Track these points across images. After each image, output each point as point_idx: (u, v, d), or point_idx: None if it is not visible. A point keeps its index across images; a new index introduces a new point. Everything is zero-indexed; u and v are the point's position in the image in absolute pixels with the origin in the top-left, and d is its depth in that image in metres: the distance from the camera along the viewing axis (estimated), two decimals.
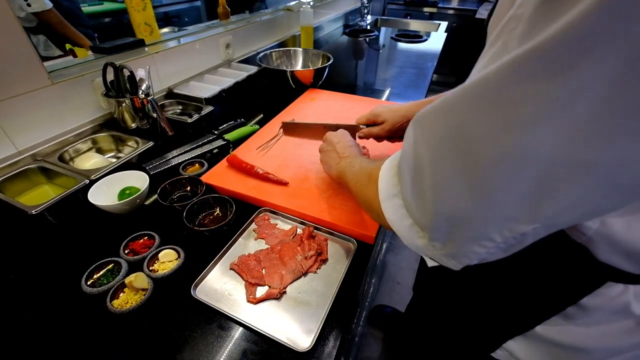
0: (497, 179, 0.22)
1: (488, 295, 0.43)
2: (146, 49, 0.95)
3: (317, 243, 0.56)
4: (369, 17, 2.22)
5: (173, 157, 0.77)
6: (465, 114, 0.23)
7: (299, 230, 0.60)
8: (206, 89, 1.01)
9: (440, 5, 3.04)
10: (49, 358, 0.42)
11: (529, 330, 0.39)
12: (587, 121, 0.18)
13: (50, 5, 0.89)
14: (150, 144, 0.78)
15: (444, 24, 2.31)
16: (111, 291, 0.48)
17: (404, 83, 1.31)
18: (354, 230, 0.58)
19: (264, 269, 0.52)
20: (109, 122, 0.85)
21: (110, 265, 0.52)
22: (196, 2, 1.79)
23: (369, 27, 2.10)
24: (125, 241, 0.56)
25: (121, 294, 0.49)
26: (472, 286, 0.45)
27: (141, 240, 0.57)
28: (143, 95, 0.78)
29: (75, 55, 0.86)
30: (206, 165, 0.75)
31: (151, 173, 0.70)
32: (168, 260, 0.53)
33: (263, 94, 1.16)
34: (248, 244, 0.58)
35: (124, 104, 0.78)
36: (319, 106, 1.04)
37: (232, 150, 0.81)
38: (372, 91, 1.24)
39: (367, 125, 0.71)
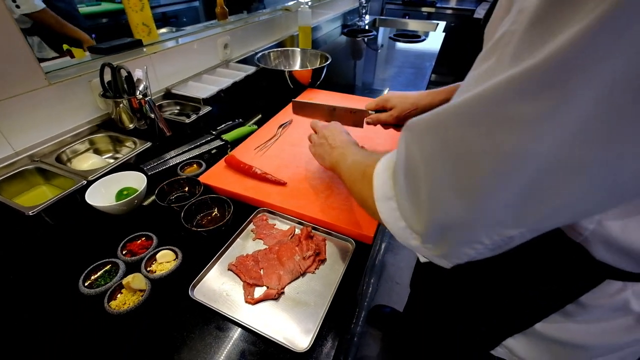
0: (490, 190, 0.23)
1: (484, 292, 0.43)
2: (144, 49, 0.95)
3: (315, 243, 0.56)
4: (367, 17, 2.22)
5: (171, 158, 0.77)
6: (460, 129, 0.24)
7: (297, 231, 0.60)
8: (204, 89, 1.00)
9: (438, 5, 3.05)
10: (46, 359, 0.42)
11: (528, 328, 0.39)
12: (579, 138, 0.19)
13: (41, 6, 0.88)
14: (148, 144, 0.78)
15: (442, 24, 2.31)
16: (109, 292, 0.48)
17: (402, 83, 1.31)
18: (352, 230, 0.58)
19: (262, 270, 0.52)
20: (106, 123, 0.85)
21: (108, 266, 0.52)
22: (194, 2, 1.79)
23: (367, 27, 2.11)
24: (123, 242, 0.56)
25: (119, 295, 0.48)
26: (467, 282, 0.45)
27: (139, 241, 0.57)
28: (141, 96, 0.78)
29: (72, 56, 0.86)
30: (204, 165, 0.75)
31: (149, 174, 0.70)
32: (166, 261, 0.53)
33: (261, 94, 1.16)
34: (246, 245, 0.58)
35: (121, 105, 0.78)
36: None
37: (230, 151, 0.81)
38: (370, 91, 1.24)
39: (376, 112, 0.72)
